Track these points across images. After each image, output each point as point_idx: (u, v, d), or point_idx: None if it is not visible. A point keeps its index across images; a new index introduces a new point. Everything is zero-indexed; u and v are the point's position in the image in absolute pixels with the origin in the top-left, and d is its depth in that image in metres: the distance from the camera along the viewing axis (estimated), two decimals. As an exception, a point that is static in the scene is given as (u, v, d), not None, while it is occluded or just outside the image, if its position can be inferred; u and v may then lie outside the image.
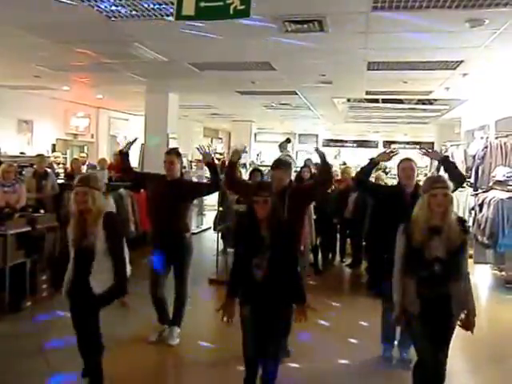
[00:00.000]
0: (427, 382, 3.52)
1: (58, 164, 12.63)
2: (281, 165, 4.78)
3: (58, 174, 10.40)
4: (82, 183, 3.83)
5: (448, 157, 5.25)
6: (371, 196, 5.96)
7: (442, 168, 5.28)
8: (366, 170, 5.01)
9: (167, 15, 5.47)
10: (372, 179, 11.13)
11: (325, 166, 4.85)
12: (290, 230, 3.88)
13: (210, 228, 10.55)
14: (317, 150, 4.95)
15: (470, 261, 8.05)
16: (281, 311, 3.74)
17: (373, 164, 5.01)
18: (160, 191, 5.21)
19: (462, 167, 10.70)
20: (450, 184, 3.53)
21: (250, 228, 3.75)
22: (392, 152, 5.05)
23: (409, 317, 3.50)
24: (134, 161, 13.74)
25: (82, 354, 3.99)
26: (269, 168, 11.33)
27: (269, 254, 3.62)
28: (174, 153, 5.39)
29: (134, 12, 5.57)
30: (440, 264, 3.36)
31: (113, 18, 5.83)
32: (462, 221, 3.55)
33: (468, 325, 3.43)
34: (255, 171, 8.85)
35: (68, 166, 12.82)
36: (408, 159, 4.97)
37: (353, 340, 5.41)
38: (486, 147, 8.73)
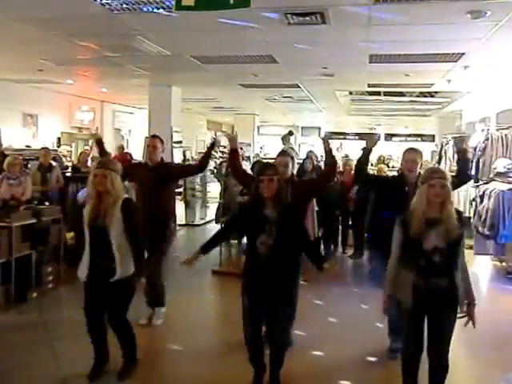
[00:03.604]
0: (431, 373, 3.54)
1: (65, 157, 12.71)
2: (284, 152, 5.02)
3: (66, 167, 10.47)
4: (101, 165, 3.97)
5: (466, 151, 5.15)
6: (372, 188, 5.97)
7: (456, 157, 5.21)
8: (362, 161, 4.94)
9: (169, 8, 5.51)
10: (374, 171, 11.21)
11: (330, 159, 4.88)
12: (296, 209, 3.94)
13: (213, 220, 10.62)
14: (324, 140, 4.88)
15: (471, 251, 8.14)
16: (283, 294, 3.79)
17: (366, 152, 4.89)
18: (144, 178, 5.34)
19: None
20: (449, 176, 3.53)
21: (254, 207, 3.82)
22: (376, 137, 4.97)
23: (403, 309, 3.52)
24: (138, 154, 13.90)
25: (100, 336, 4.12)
26: (273, 160, 11.42)
27: (275, 232, 3.69)
28: (158, 138, 5.57)
29: (136, 5, 5.60)
30: (439, 254, 3.36)
31: (115, 11, 5.85)
32: (458, 213, 3.54)
33: (470, 316, 3.44)
34: (257, 163, 8.92)
35: (73, 158, 12.89)
36: (413, 150, 4.83)
37: (357, 331, 5.41)
38: (487, 139, 8.75)
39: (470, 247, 8.46)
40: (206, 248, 3.98)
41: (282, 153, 5.14)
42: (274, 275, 3.72)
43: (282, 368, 3.93)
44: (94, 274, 3.99)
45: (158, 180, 5.28)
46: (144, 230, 5.24)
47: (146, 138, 12.20)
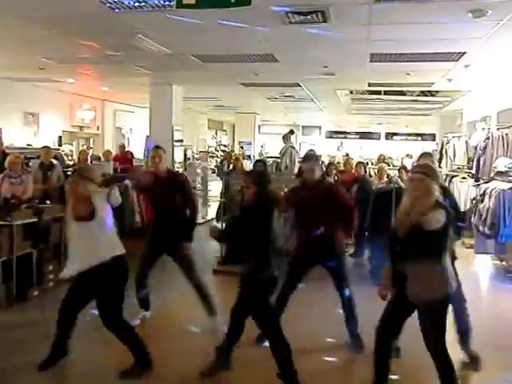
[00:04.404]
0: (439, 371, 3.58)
1: (67, 156, 12.76)
2: (309, 157, 5.14)
3: (68, 166, 10.51)
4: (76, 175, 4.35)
5: None
6: None
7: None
8: None
9: (170, 6, 5.50)
10: (375, 170, 11.20)
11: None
12: (261, 216, 4.08)
13: (214, 219, 10.61)
14: None
15: (471, 251, 8.13)
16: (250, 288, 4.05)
17: None
18: (158, 189, 5.38)
19: (463, 158, 10.76)
20: (432, 171, 3.56)
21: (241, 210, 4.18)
22: None
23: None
24: (139, 153, 13.90)
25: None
26: (273, 159, 11.45)
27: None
28: (161, 148, 5.64)
29: (137, 3, 5.61)
30: (401, 244, 3.52)
31: (116, 10, 5.84)
32: (440, 205, 3.53)
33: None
34: (257, 162, 9.02)
35: (75, 157, 12.91)
36: (428, 154, 4.98)
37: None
38: (488, 138, 8.76)
39: (471, 246, 8.47)
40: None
41: (307, 158, 5.22)
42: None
43: (287, 367, 3.95)
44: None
45: (172, 189, 5.39)
46: (163, 237, 5.35)
47: (147, 136, 12.24)
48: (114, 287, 4.16)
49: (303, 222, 4.98)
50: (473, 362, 4.51)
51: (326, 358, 4.77)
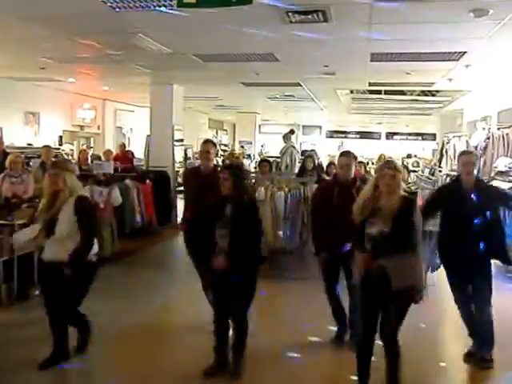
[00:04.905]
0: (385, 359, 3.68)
1: (68, 155, 12.76)
2: (346, 153, 5.07)
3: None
4: (54, 166, 4.33)
5: None
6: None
7: None
8: None
9: (171, 5, 5.50)
10: (373, 170, 11.19)
11: None
12: (252, 207, 4.23)
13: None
14: None
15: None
16: (238, 285, 4.10)
17: None
18: (198, 185, 5.31)
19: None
20: (401, 168, 3.79)
21: (219, 204, 4.21)
22: None
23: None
24: (139, 152, 13.89)
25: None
26: (273, 159, 11.44)
27: (230, 228, 4.06)
28: (211, 142, 5.53)
29: (137, 2, 5.60)
30: (384, 238, 3.58)
31: (117, 9, 5.84)
32: (408, 199, 3.67)
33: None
34: (263, 162, 9.01)
35: (75, 157, 12.91)
36: (469, 152, 4.86)
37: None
38: (488, 138, 8.76)
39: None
40: None
41: (344, 153, 5.07)
42: (230, 268, 4.04)
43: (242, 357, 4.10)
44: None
45: (210, 187, 5.13)
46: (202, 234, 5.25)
47: (148, 136, 12.24)
48: (83, 284, 4.23)
49: (328, 222, 4.80)
50: (485, 362, 4.63)
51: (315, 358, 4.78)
